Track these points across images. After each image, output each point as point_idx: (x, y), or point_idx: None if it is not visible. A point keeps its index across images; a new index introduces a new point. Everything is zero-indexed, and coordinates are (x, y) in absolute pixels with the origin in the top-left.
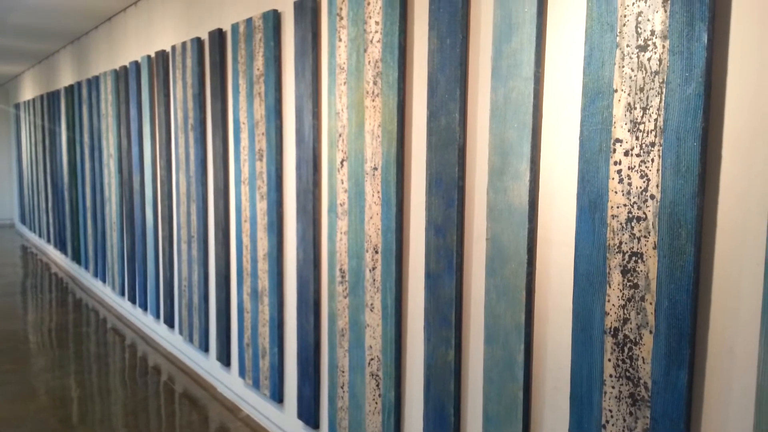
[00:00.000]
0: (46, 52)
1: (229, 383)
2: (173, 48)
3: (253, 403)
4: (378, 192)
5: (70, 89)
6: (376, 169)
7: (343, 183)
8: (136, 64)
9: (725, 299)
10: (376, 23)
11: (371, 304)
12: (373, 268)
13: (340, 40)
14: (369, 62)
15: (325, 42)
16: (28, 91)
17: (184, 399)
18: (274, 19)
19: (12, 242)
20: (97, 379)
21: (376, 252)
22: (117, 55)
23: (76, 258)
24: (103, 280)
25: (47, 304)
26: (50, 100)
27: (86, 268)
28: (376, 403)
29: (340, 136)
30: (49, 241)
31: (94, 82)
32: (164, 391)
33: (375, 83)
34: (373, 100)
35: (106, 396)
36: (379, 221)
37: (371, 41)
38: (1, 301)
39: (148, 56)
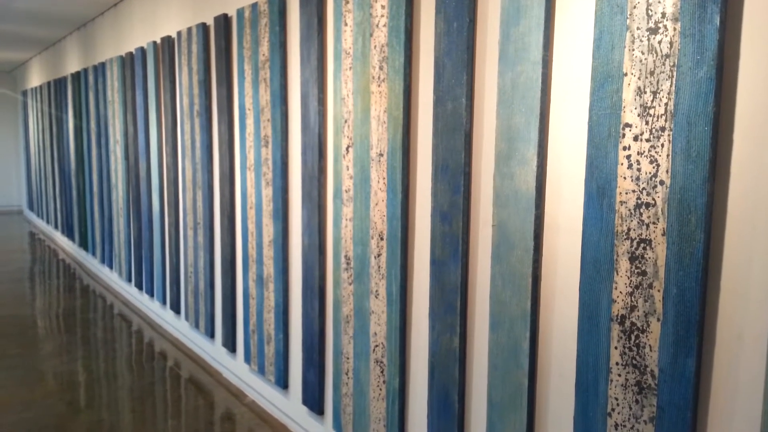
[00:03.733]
0: (53, 39)
1: (235, 369)
2: (179, 34)
3: (258, 388)
4: (383, 178)
5: (76, 76)
6: (381, 155)
7: (348, 169)
8: (142, 51)
9: (735, 286)
10: (382, 7)
11: (376, 291)
12: (378, 255)
13: (346, 24)
14: (375, 47)
15: (330, 27)
16: (35, 78)
17: (189, 384)
18: (279, 4)
19: (20, 228)
20: (104, 364)
21: (382, 239)
22: (123, 42)
23: (83, 244)
24: (110, 266)
25: (55, 289)
26: (57, 86)
27: (93, 254)
28: (381, 389)
29: (345, 122)
30: (56, 227)
31: (100, 69)
32: (170, 377)
33: (381, 68)
34: (379, 86)
35: (113, 381)
36: (384, 208)
37: (377, 25)
38: (9, 287)
39: (154, 42)
